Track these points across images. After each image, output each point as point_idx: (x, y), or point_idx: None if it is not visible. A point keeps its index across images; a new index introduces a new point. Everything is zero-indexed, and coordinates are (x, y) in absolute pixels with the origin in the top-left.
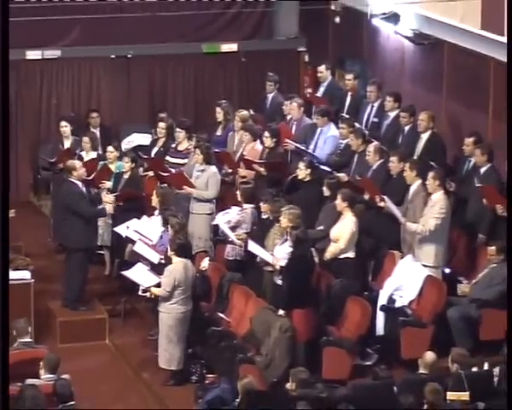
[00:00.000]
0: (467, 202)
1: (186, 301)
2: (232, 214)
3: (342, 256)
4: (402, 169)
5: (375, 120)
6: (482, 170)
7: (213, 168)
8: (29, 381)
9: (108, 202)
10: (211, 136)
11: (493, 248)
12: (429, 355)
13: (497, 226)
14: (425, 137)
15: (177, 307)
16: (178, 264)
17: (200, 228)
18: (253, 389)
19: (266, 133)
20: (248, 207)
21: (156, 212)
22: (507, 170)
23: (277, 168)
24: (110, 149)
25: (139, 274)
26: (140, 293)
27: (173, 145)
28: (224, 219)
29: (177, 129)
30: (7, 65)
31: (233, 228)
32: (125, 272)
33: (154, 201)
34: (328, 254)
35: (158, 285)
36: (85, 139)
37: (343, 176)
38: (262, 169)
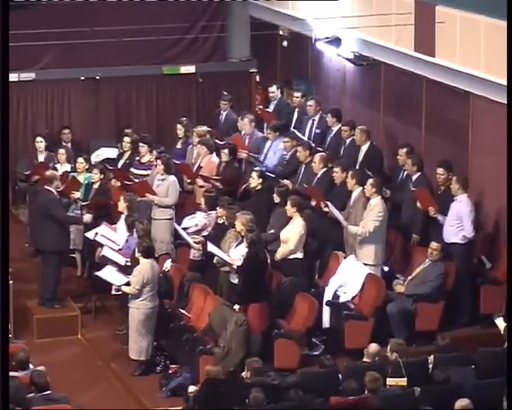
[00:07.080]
0: (401, 206)
1: (153, 298)
2: (199, 218)
3: (291, 257)
4: (345, 178)
5: (318, 131)
6: (414, 178)
7: (173, 177)
8: (10, 373)
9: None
10: (171, 149)
11: (436, 245)
12: (373, 347)
13: (429, 227)
14: (364, 149)
15: (146, 303)
16: (146, 264)
17: (161, 232)
18: (214, 376)
19: (225, 150)
20: (212, 212)
21: (123, 217)
22: (507, 171)
23: (231, 183)
24: (80, 160)
25: (110, 275)
26: (113, 292)
27: (137, 158)
28: (192, 223)
29: (140, 144)
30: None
31: (200, 230)
32: (98, 273)
33: (122, 206)
34: (278, 255)
35: (127, 284)
36: (61, 151)
37: (288, 183)
38: (218, 184)
